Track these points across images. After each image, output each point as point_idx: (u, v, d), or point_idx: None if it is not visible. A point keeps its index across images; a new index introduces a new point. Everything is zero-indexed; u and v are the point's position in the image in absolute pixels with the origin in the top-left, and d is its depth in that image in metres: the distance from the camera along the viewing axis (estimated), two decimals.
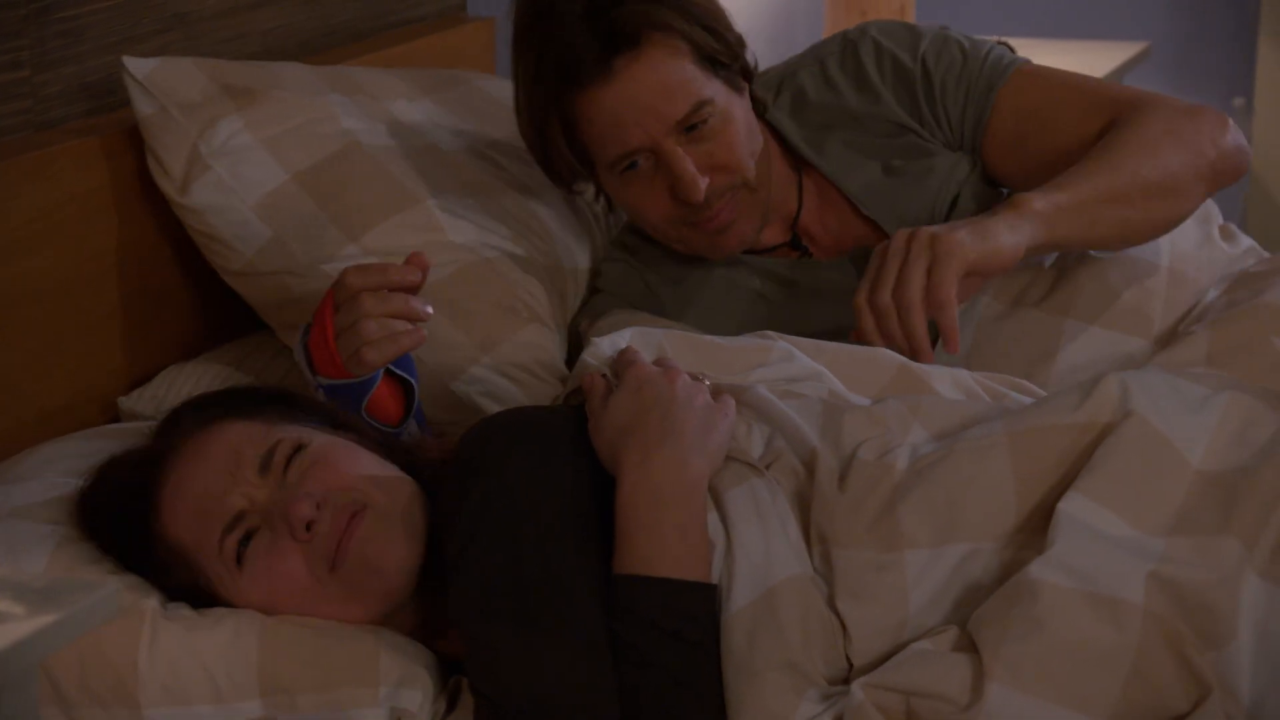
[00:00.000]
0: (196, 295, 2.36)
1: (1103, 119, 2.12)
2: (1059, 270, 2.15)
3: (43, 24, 2.22)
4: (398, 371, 1.97)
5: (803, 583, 1.62)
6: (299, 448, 1.75)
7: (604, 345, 1.84)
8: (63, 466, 1.93)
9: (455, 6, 3.01)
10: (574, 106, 2.08)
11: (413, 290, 1.91)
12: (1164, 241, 2.15)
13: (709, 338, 1.90)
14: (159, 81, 2.22)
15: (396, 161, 2.30)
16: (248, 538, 1.72)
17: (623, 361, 1.76)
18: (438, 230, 2.25)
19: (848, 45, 2.26)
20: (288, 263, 2.22)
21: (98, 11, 2.30)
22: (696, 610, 1.62)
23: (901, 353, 1.90)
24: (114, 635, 1.72)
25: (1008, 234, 1.94)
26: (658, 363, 1.77)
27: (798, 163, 2.27)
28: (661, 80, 2.05)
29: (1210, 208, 2.26)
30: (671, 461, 1.65)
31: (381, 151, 2.30)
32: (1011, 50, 2.28)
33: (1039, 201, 1.98)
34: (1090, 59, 3.68)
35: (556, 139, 2.12)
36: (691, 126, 2.08)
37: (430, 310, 1.93)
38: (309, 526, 1.70)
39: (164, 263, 2.30)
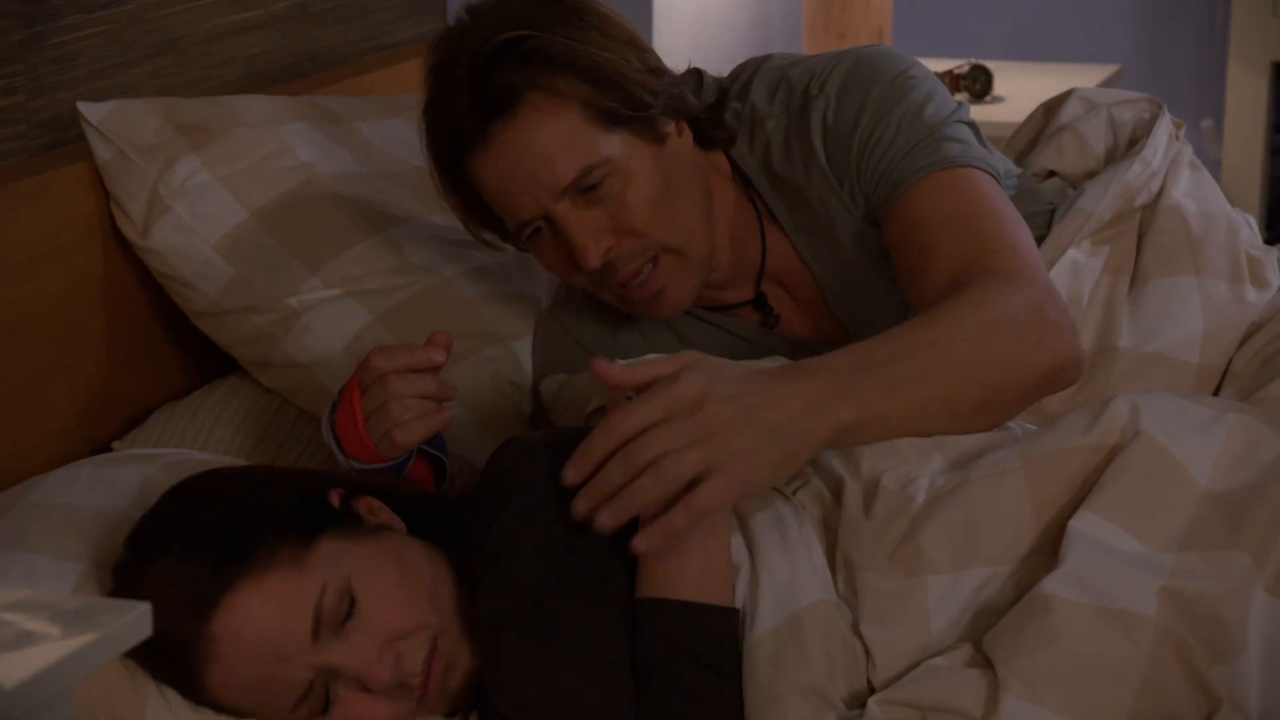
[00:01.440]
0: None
1: (962, 277, 1.83)
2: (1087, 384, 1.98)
3: (36, 50, 2.22)
4: (428, 449, 1.97)
5: (827, 608, 1.63)
6: (343, 594, 1.67)
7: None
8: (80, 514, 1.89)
9: (435, 31, 3.03)
10: (467, 175, 1.96)
11: (437, 369, 1.90)
12: (1197, 332, 2.00)
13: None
14: (114, 125, 2.22)
15: (357, 187, 2.32)
16: (324, 695, 1.68)
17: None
18: (397, 254, 2.26)
19: (807, 105, 2.02)
20: (252, 299, 2.22)
21: (90, 37, 2.31)
22: (718, 634, 1.62)
23: (592, 499, 1.62)
24: (125, 692, 1.71)
25: (808, 450, 1.65)
26: None
27: (762, 212, 2.07)
28: (540, 146, 1.89)
29: (1237, 243, 2.08)
30: None
31: (341, 181, 2.31)
32: (975, 131, 2.03)
33: (851, 411, 1.67)
34: (1065, 81, 3.70)
35: (460, 208, 2.02)
36: (587, 189, 1.91)
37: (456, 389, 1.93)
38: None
39: (159, 287, 2.30)
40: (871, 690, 1.62)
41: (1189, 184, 2.11)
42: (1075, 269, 2.02)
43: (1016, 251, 1.84)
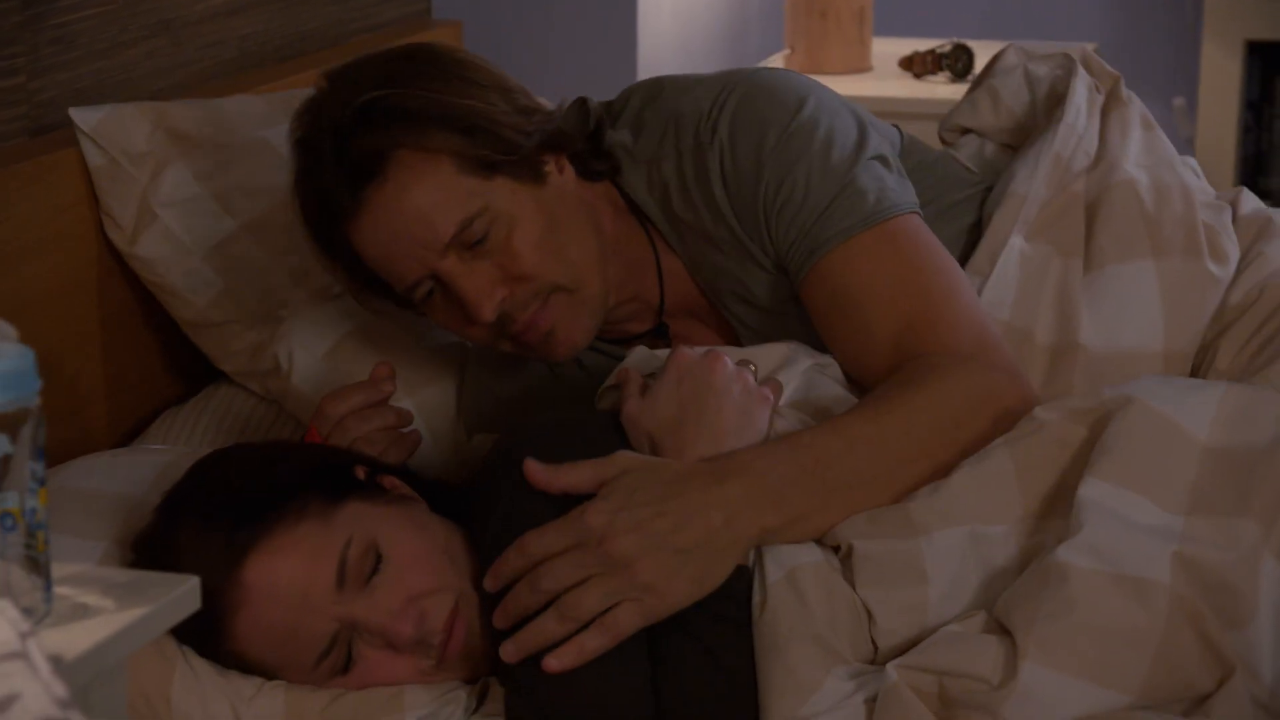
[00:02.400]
0: None
1: (903, 349, 1.80)
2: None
3: (37, 30, 2.22)
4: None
5: (823, 567, 1.66)
6: (368, 548, 1.71)
7: (643, 351, 1.86)
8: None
9: (421, 11, 3.05)
10: (348, 245, 1.88)
11: (387, 399, 1.93)
12: (1158, 320, 1.96)
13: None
14: (106, 132, 2.22)
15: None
16: (347, 654, 1.71)
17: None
18: None
19: (700, 149, 1.91)
20: (238, 312, 2.24)
21: (88, 18, 2.31)
22: (734, 589, 1.65)
23: (506, 616, 1.65)
24: (150, 665, 1.72)
25: (728, 560, 1.65)
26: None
27: (656, 242, 1.98)
28: (415, 205, 1.82)
29: (1193, 215, 2.00)
30: (709, 455, 1.67)
31: None
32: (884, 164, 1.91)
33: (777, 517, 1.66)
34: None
35: (346, 281, 1.95)
36: (472, 241, 1.84)
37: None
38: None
39: None
40: (875, 649, 1.65)
41: (1141, 149, 2.06)
42: (1023, 259, 1.97)
43: (960, 325, 1.79)
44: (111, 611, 1.23)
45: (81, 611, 1.23)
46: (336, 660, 1.70)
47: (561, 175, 1.91)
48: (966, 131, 2.16)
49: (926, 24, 4.17)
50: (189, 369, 2.36)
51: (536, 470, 1.64)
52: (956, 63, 3.62)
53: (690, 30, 3.70)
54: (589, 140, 1.94)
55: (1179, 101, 4.35)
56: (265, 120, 2.36)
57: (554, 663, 1.60)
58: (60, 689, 1.06)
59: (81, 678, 1.15)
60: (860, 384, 1.83)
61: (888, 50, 3.84)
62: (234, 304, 2.24)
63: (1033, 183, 1.98)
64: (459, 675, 1.75)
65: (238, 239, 2.26)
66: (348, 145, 1.83)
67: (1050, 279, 1.96)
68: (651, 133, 1.95)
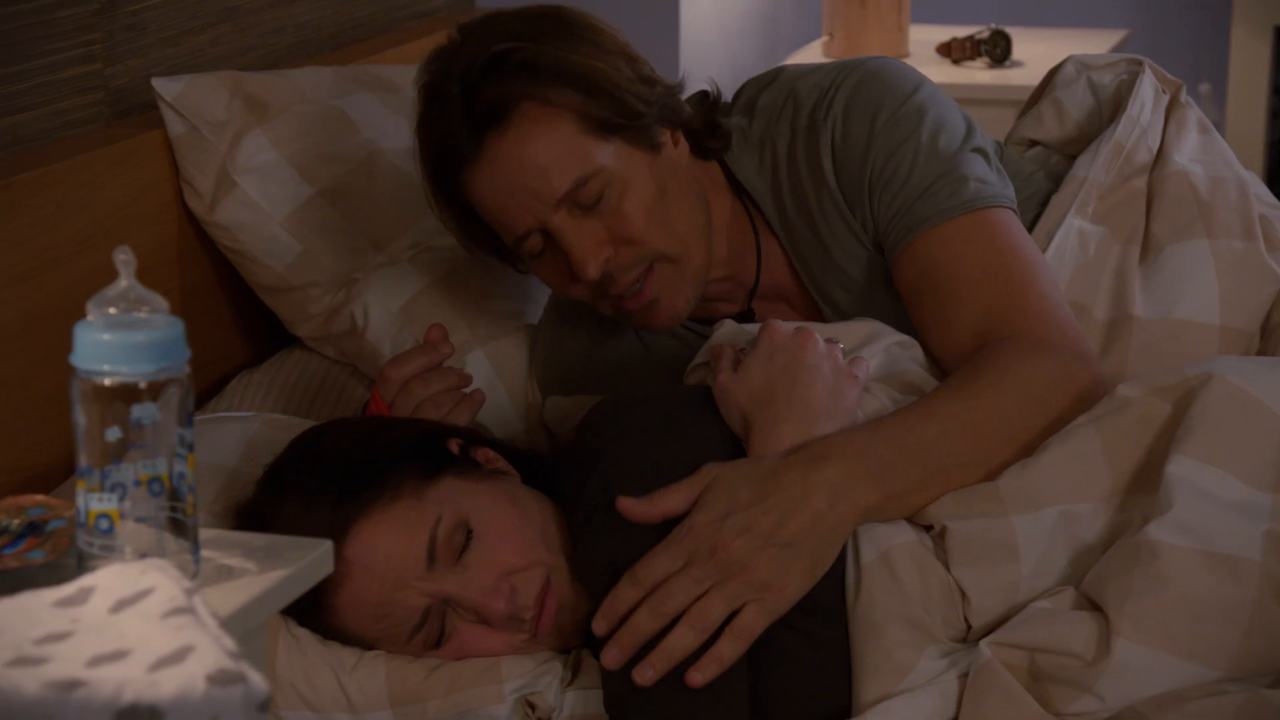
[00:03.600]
0: None
1: (988, 332, 1.84)
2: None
3: (113, 18, 2.26)
4: None
5: (918, 548, 1.68)
6: (459, 525, 1.74)
7: (731, 325, 1.89)
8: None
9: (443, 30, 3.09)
10: (462, 191, 1.93)
11: (446, 360, 1.98)
12: (1214, 294, 2.00)
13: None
14: (187, 101, 2.27)
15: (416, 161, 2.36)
16: (440, 628, 1.75)
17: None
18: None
19: (814, 125, 1.97)
20: (317, 275, 2.28)
21: (159, 6, 2.35)
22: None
23: (623, 649, 1.66)
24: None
25: (835, 544, 1.68)
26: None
27: (758, 224, 2.03)
28: (534, 156, 1.86)
29: (1248, 204, 2.06)
30: (800, 430, 1.70)
31: (402, 155, 2.36)
32: (986, 160, 1.97)
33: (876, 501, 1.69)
34: (1074, 45, 3.77)
35: (456, 228, 2.00)
36: (583, 200, 1.88)
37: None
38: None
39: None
40: (968, 628, 1.68)
41: (1196, 148, 2.12)
42: (1082, 237, 2.01)
43: (1043, 312, 1.84)
44: (254, 573, 1.27)
45: (226, 573, 1.27)
46: (430, 634, 1.74)
47: (676, 148, 1.95)
48: (1033, 145, 2.21)
49: (961, 11, 4.21)
50: (258, 335, 2.41)
51: (632, 506, 1.67)
52: (995, 48, 3.66)
53: (729, 15, 3.74)
54: (704, 120, 1.99)
55: (1205, 87, 4.39)
56: (336, 90, 2.40)
57: (697, 676, 1.63)
58: (230, 642, 1.10)
59: (233, 635, 1.18)
60: (942, 363, 1.87)
61: (925, 37, 3.87)
62: (312, 268, 2.28)
63: (1092, 167, 2.04)
64: (552, 646, 1.79)
65: (315, 204, 2.30)
66: (474, 93, 1.87)
67: (1109, 263, 2.01)
68: (766, 113, 2.01)
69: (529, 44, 1.88)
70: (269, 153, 2.29)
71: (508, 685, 1.74)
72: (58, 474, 2.03)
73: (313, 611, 1.75)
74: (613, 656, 1.65)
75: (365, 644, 1.77)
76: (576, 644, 1.80)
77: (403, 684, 1.74)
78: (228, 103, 2.29)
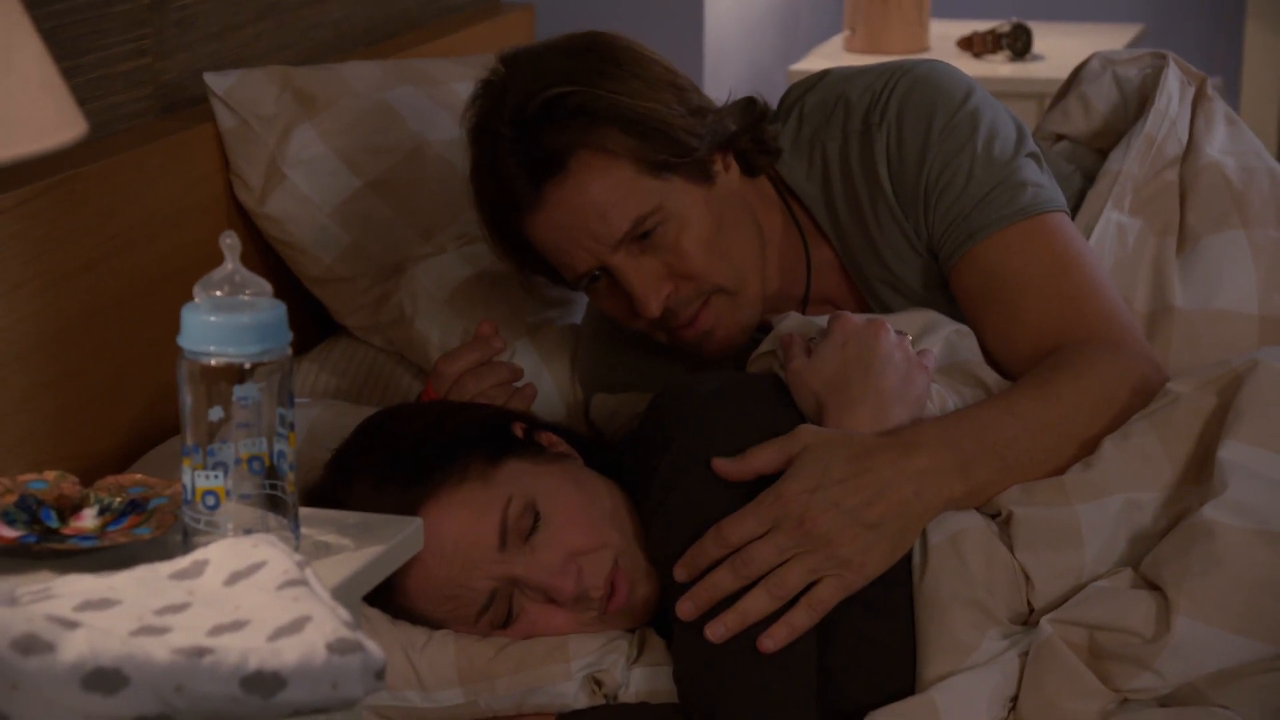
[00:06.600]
0: None
1: (1056, 336, 1.88)
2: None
3: (164, 13, 2.29)
4: None
5: (984, 532, 1.72)
6: (527, 507, 1.77)
7: (797, 316, 1.91)
8: None
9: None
10: (521, 233, 1.97)
11: (497, 355, 2.01)
12: (1252, 283, 2.03)
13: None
14: (238, 95, 2.30)
15: (462, 154, 2.39)
16: (508, 609, 1.78)
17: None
18: None
19: (868, 131, 2.00)
20: (366, 266, 2.31)
21: (205, 1, 2.38)
22: None
23: (699, 603, 1.70)
24: None
25: (916, 530, 1.73)
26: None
27: (807, 231, 2.06)
28: (593, 201, 1.90)
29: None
30: (874, 415, 1.73)
31: (448, 147, 2.39)
32: (1038, 163, 2.00)
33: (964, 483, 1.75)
34: (1093, 39, 3.80)
35: (513, 264, 2.04)
36: (641, 236, 1.92)
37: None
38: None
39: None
40: (1030, 610, 1.71)
41: (1225, 139, 2.14)
42: (1119, 230, 2.05)
43: (1109, 315, 1.89)
44: (351, 550, 1.30)
45: (324, 549, 1.30)
46: (497, 614, 1.77)
47: (727, 174, 1.99)
48: (1060, 139, 2.24)
49: (982, 4, 4.24)
50: (304, 326, 2.42)
51: (725, 465, 1.70)
52: (1016, 42, 3.69)
53: (750, 10, 3.77)
54: (752, 134, 2.02)
55: (1216, 80, 4.42)
56: (382, 84, 2.43)
57: (769, 643, 1.67)
58: (345, 612, 1.13)
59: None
60: (1005, 365, 1.90)
61: (946, 31, 3.90)
62: (361, 259, 2.31)
63: (1125, 160, 2.07)
64: (620, 626, 1.82)
65: (364, 196, 2.33)
66: (530, 140, 1.90)
67: (1146, 255, 2.05)
68: (814, 116, 2.04)
69: (583, 88, 1.90)
70: (317, 146, 2.32)
71: (575, 663, 1.76)
72: (117, 463, 2.06)
73: (382, 591, 1.78)
74: (688, 609, 1.69)
75: (434, 624, 1.80)
76: (643, 622, 1.83)
77: (471, 662, 1.77)
78: (277, 97, 2.32)
